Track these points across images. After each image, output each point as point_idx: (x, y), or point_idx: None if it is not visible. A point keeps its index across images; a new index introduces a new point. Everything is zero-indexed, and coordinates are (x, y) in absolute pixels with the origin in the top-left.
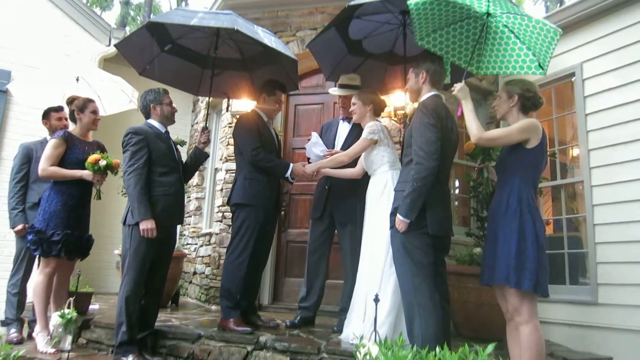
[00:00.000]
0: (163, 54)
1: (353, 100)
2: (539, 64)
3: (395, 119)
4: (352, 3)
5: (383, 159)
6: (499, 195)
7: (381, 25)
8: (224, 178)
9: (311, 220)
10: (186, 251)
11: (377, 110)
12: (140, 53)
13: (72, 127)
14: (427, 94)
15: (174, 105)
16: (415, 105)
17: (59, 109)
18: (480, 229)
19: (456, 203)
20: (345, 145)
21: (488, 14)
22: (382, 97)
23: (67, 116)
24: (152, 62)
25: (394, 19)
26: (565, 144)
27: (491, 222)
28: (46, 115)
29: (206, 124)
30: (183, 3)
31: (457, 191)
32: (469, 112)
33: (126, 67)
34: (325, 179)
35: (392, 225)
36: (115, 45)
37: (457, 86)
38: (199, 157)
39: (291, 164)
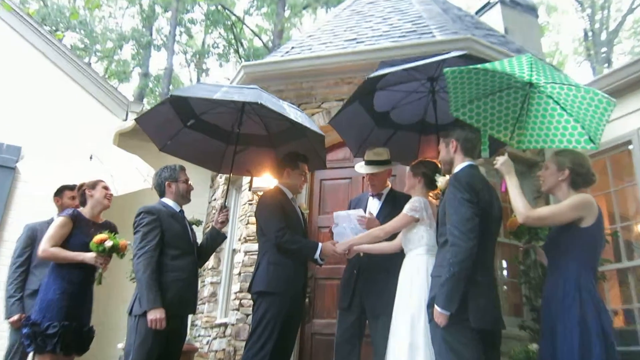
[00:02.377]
0: (185, 130)
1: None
2: (589, 138)
3: (432, 194)
4: (371, 75)
5: (421, 240)
6: (553, 282)
7: (408, 95)
8: (243, 261)
9: (339, 310)
10: (197, 344)
11: (431, 184)
12: (162, 128)
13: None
14: (460, 165)
15: (190, 182)
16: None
17: (74, 187)
18: (536, 321)
19: (505, 288)
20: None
21: (530, 84)
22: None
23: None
24: (173, 138)
25: (422, 87)
26: (627, 220)
27: (546, 314)
28: (59, 192)
29: (225, 202)
30: (204, 74)
31: (505, 274)
32: (513, 188)
33: (143, 142)
34: (355, 261)
35: (431, 319)
36: (135, 120)
37: (500, 160)
38: (216, 239)
39: (320, 244)
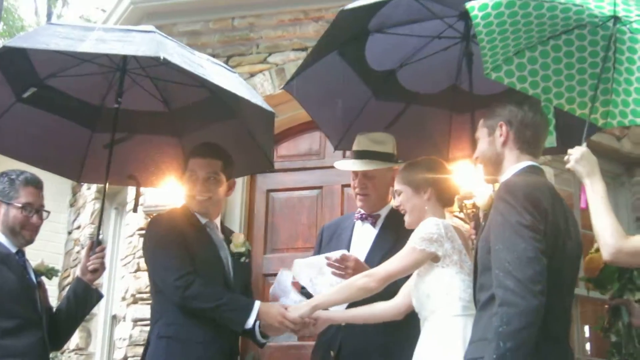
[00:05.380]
0: (19, 106)
1: (396, 186)
2: None
3: (462, 213)
4: (351, 6)
5: (451, 292)
6: None
7: (427, 43)
8: (130, 336)
9: None
10: None
11: (445, 196)
12: None
13: None
14: (514, 167)
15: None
16: (494, 188)
17: None
18: None
19: None
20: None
21: (616, 19)
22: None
23: None
24: None
25: (450, 30)
26: None
27: None
28: None
29: (99, 234)
30: (59, 4)
31: (587, 349)
32: (597, 202)
33: None
34: (331, 335)
35: None
36: None
37: (575, 153)
38: (84, 299)
39: (257, 303)
